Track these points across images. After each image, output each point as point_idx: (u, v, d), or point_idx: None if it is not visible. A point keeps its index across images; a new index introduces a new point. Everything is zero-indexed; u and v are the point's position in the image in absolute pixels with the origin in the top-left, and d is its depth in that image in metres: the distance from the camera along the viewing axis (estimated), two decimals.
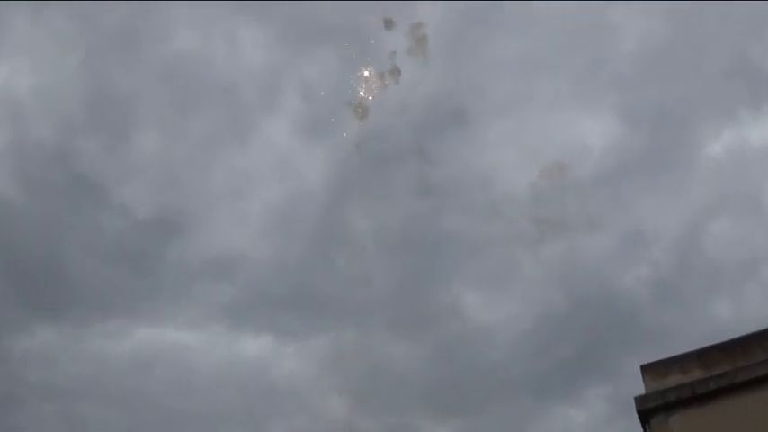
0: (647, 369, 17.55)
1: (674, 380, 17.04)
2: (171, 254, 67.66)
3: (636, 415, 17.33)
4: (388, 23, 45.71)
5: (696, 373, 16.84)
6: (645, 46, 64.95)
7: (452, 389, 62.14)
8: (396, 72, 44.72)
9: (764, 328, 17.04)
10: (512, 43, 62.23)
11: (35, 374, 63.91)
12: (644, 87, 65.16)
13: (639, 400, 17.17)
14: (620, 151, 65.24)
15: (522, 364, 63.43)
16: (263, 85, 64.71)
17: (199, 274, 67.77)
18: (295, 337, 67.19)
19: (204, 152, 66.13)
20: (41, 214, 64.17)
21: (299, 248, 58.49)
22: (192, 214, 68.41)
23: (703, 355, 17.12)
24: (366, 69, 43.59)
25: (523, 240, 61.83)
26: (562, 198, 62.78)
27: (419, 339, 62.25)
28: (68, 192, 65.19)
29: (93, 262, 65.99)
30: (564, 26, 63.84)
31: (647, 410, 16.99)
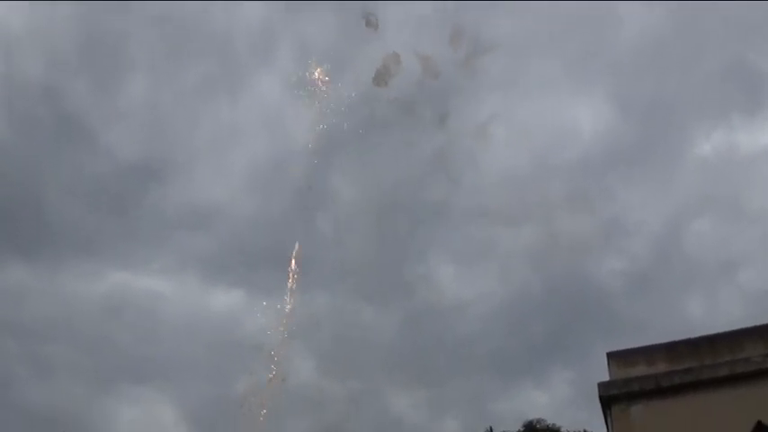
0: (613, 357, 17.63)
1: (639, 370, 17.12)
2: (150, 200, 67.51)
3: (598, 401, 17.46)
4: (370, 23, 45.09)
5: (662, 366, 16.93)
6: (645, 37, 64.99)
7: (420, 360, 62.38)
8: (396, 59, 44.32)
9: (734, 329, 17.17)
10: (507, 23, 61.93)
11: (4, 312, 63.82)
12: (640, 78, 65.19)
13: (603, 387, 17.25)
14: (609, 139, 65.49)
15: (492, 341, 63.93)
16: (258, 39, 64.22)
17: (177, 223, 67.68)
18: (268, 294, 67.18)
19: (193, 101, 65.74)
20: (25, 151, 63.80)
21: (279, 207, 58.32)
22: (176, 162, 68.22)
23: (671, 349, 17.22)
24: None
25: (505, 219, 61.92)
26: (548, 180, 62.91)
27: (391, 308, 62.57)
28: (53, 131, 64.80)
29: (72, 202, 65.77)
30: (564, 10, 63.55)
31: (610, 397, 17.09)
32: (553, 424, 38.88)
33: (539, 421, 38.92)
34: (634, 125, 66.26)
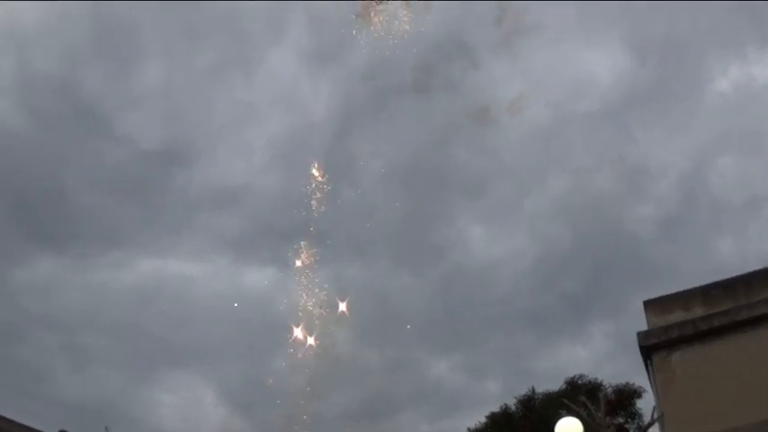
0: (649, 305, 17.58)
1: (676, 316, 17.08)
2: (174, 185, 67.66)
3: (638, 351, 17.42)
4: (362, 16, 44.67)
5: (698, 310, 16.88)
6: None
7: (455, 323, 62.50)
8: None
9: (767, 266, 17.05)
10: None
11: (37, 305, 64.40)
12: (652, 20, 64.38)
13: (642, 336, 17.24)
14: (626, 84, 64.70)
15: (526, 299, 63.77)
16: (268, 14, 64.00)
17: (202, 206, 67.78)
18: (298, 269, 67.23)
19: (209, 82, 65.60)
20: (45, 145, 64.12)
21: (304, 180, 58.37)
22: (196, 145, 68.28)
23: (706, 292, 17.15)
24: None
25: (529, 174, 61.71)
26: (569, 131, 62.52)
27: (423, 273, 62.36)
28: (72, 122, 65.05)
29: (95, 193, 66.14)
30: None
31: (650, 346, 17.08)
32: (595, 378, 38.77)
33: (580, 377, 38.80)
34: (650, 67, 65.49)
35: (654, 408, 17.00)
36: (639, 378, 30.87)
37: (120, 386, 63.29)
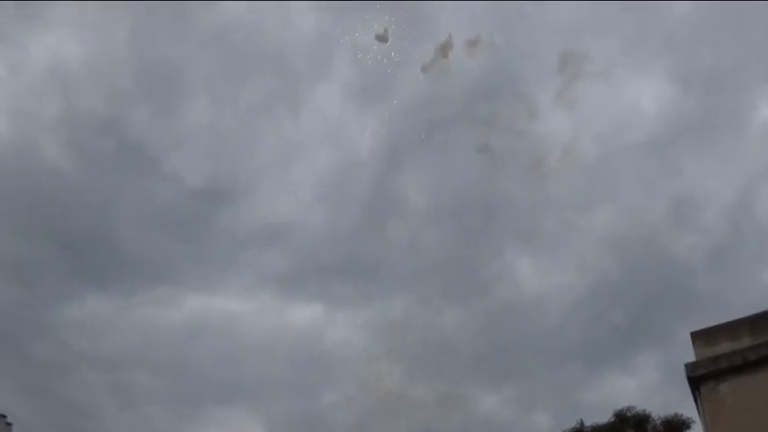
0: (697, 336, 17.52)
1: (724, 347, 17.00)
2: (221, 222, 68.38)
3: (686, 382, 17.34)
4: (381, 38, 45.07)
5: (746, 340, 16.78)
6: (697, 8, 64.03)
7: (504, 357, 62.24)
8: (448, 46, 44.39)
9: None
10: (563, 6, 61.62)
11: (84, 343, 65.08)
12: (696, 50, 64.24)
13: (690, 367, 17.16)
14: (672, 115, 64.70)
15: (575, 331, 63.43)
16: (313, 52, 64.72)
17: (249, 242, 68.40)
18: (346, 304, 67.53)
19: (254, 120, 66.51)
20: (92, 184, 65.12)
21: (349, 216, 58.70)
22: (242, 182, 69.05)
23: (754, 322, 17.07)
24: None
25: (575, 206, 61.54)
26: (617, 163, 62.29)
27: (470, 307, 62.38)
28: (118, 161, 66.08)
29: (143, 231, 66.94)
30: None
31: (698, 377, 16.99)
32: (643, 410, 38.45)
33: (628, 409, 38.51)
34: (695, 97, 65.32)
35: None
36: (688, 408, 30.62)
37: (167, 424, 63.75)
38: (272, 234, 68.38)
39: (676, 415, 36.82)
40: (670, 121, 64.77)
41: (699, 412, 18.05)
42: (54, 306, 65.87)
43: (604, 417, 38.87)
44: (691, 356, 17.46)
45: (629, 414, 37.92)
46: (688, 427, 36.13)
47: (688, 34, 64.42)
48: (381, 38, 45.48)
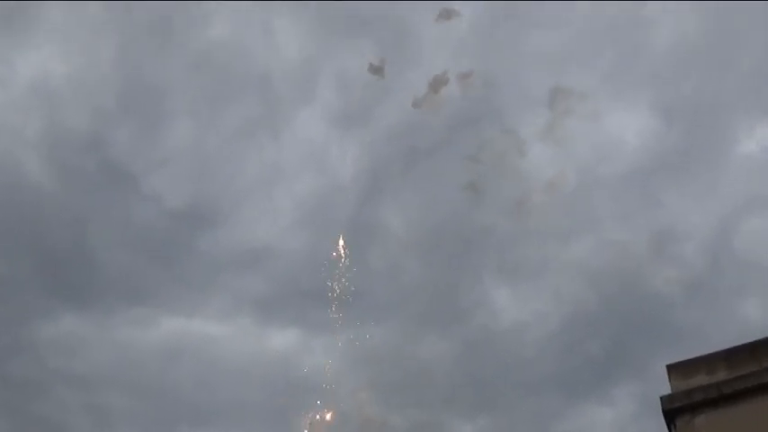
0: (673, 369, 17.52)
1: (700, 380, 16.99)
2: (200, 244, 68.01)
3: (662, 415, 17.32)
4: (376, 70, 45.12)
5: (722, 374, 16.78)
6: (680, 41, 64.55)
7: (480, 386, 62.08)
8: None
9: None
10: (545, 37, 62.00)
11: (60, 362, 64.45)
12: (679, 83, 64.70)
13: (665, 400, 17.13)
14: (654, 147, 64.89)
15: (551, 362, 63.29)
16: (297, 76, 64.79)
17: (227, 266, 68.05)
18: (323, 331, 67.23)
19: (236, 143, 66.33)
20: (72, 202, 64.73)
21: (329, 242, 58.63)
22: (223, 205, 68.76)
23: (730, 356, 17.05)
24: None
25: (555, 237, 61.68)
26: (595, 193, 62.60)
27: (448, 335, 62.18)
28: (99, 180, 65.74)
29: (121, 251, 66.54)
30: (598, 21, 63.51)
31: (673, 410, 16.96)
32: None
33: None
34: (677, 130, 65.66)
35: None
36: None
37: None
38: (251, 258, 68.13)
39: None
40: (652, 153, 65.07)
41: None
42: (30, 324, 65.40)
43: None
44: (667, 389, 17.46)
45: None
46: None
47: (671, 67, 64.86)
48: (376, 70, 45.33)
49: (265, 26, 65.21)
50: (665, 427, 17.58)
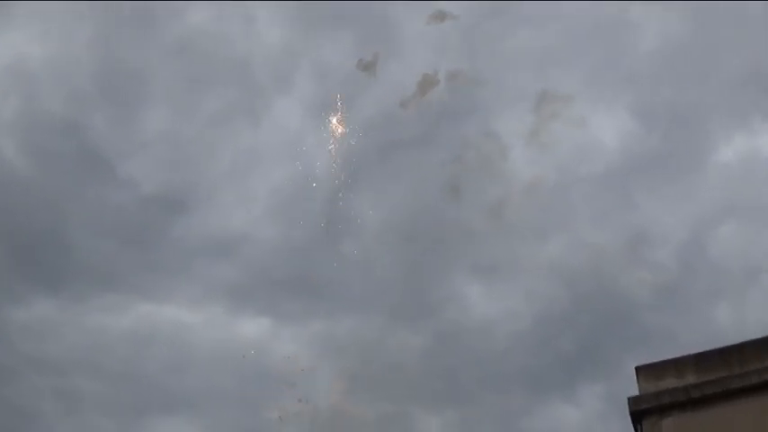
0: (641, 370, 17.46)
1: (668, 382, 16.95)
2: (174, 230, 67.60)
3: (629, 416, 17.28)
4: (367, 66, 44.85)
5: (691, 377, 16.75)
6: (663, 46, 64.73)
7: (449, 380, 62.16)
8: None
9: (763, 336, 16.95)
10: (528, 36, 62.03)
11: (31, 347, 63.85)
12: (660, 87, 64.93)
13: (633, 402, 17.08)
14: (632, 150, 65.11)
15: (520, 358, 63.38)
16: (277, 65, 64.45)
17: (201, 253, 67.69)
18: (294, 320, 67.08)
19: (213, 130, 65.94)
20: (46, 185, 64.16)
21: (303, 232, 58.34)
22: (198, 192, 68.35)
23: (699, 360, 17.03)
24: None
25: (530, 236, 61.81)
26: (572, 193, 62.79)
27: (418, 328, 62.20)
28: (74, 164, 65.14)
29: (94, 236, 66.00)
30: (581, 22, 63.60)
31: (640, 412, 16.91)
32: None
33: None
34: (656, 134, 65.88)
35: None
36: None
37: (111, 431, 62.82)
38: (224, 246, 67.76)
39: None
40: (630, 156, 65.28)
41: None
42: (1, 308, 64.83)
43: None
44: (635, 390, 17.42)
45: None
46: None
47: (653, 71, 65.02)
48: (367, 66, 44.97)
49: (245, 13, 64.80)
50: (632, 428, 17.54)
